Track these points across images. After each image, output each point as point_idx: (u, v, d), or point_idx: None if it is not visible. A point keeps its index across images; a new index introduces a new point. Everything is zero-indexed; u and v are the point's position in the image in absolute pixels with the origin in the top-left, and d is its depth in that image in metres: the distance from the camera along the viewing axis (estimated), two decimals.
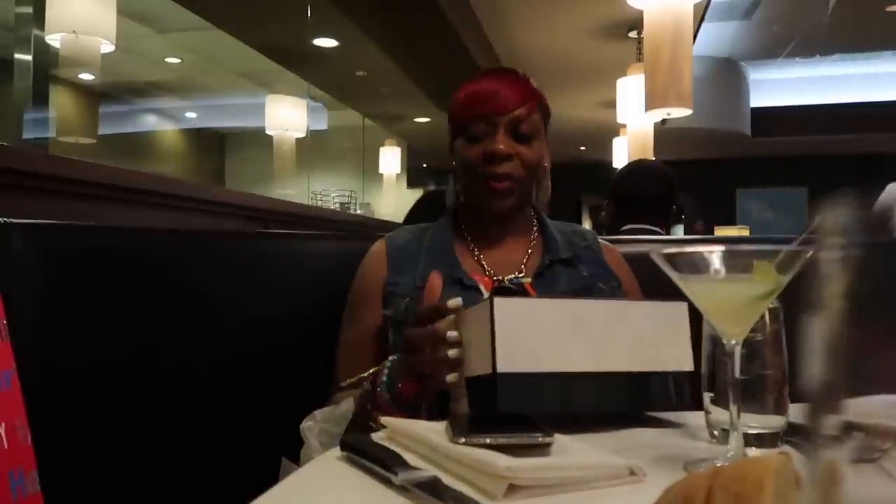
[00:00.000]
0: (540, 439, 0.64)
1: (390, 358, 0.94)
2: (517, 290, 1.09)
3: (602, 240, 1.24)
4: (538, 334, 0.79)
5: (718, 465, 0.62)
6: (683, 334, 0.84)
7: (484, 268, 1.13)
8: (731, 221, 9.21)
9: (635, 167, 2.50)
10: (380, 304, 1.11)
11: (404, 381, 0.89)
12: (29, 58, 2.96)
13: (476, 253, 1.16)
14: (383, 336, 1.10)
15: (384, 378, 0.91)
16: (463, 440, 0.63)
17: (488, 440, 0.62)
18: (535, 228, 1.21)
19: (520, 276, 1.12)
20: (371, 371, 0.94)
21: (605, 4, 5.02)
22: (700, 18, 5.45)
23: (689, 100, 2.99)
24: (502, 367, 0.75)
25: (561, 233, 1.20)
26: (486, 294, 1.06)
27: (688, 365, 0.83)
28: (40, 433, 0.65)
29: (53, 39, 2.97)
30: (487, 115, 1.10)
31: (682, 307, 0.84)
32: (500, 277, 1.12)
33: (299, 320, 1.18)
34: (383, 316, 1.10)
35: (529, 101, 1.12)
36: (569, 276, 1.13)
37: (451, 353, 0.82)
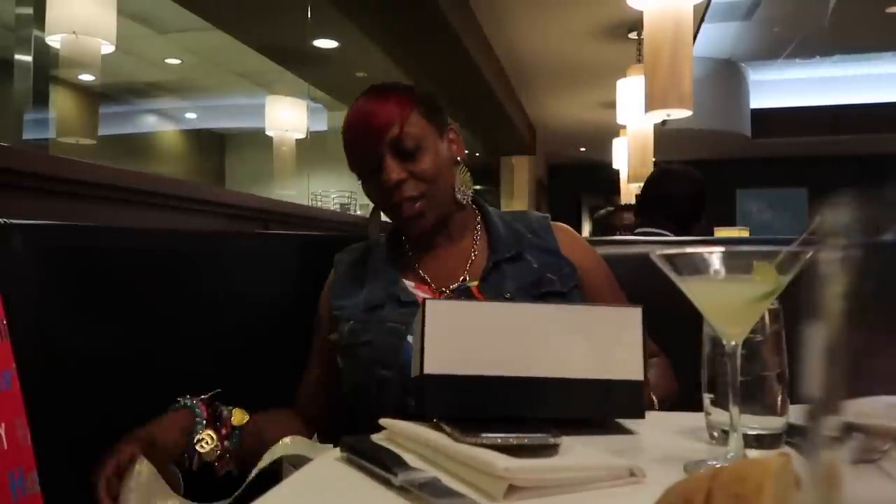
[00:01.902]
0: (549, 440, 0.64)
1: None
2: (465, 298, 1.07)
3: (556, 223, 1.19)
4: (472, 337, 0.77)
5: (718, 466, 0.62)
6: (634, 342, 0.80)
7: (426, 280, 1.12)
8: (730, 222, 9.20)
9: (664, 173, 2.48)
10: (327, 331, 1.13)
11: None
12: (29, 58, 2.96)
13: (416, 266, 1.14)
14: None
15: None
16: (471, 440, 0.63)
17: (497, 440, 0.62)
18: (477, 227, 1.17)
19: (464, 282, 1.10)
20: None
21: (605, 5, 5.02)
22: (700, 19, 5.45)
23: (690, 101, 2.99)
24: (429, 369, 0.74)
25: (506, 225, 1.16)
26: None
27: (637, 374, 0.79)
28: (40, 433, 0.65)
29: (54, 40, 2.97)
30: (364, 153, 1.08)
31: (636, 313, 0.81)
32: (444, 288, 1.10)
33: (299, 320, 1.18)
34: (331, 342, 1.11)
35: (398, 113, 1.07)
36: (516, 272, 1.09)
37: None
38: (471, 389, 0.75)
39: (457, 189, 1.13)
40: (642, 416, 0.80)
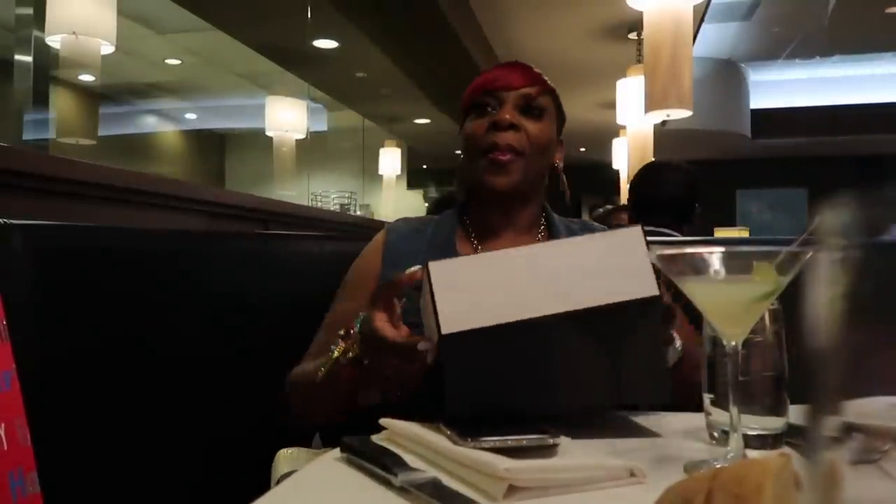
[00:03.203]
0: (548, 441, 0.64)
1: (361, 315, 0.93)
2: None
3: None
4: (481, 290, 0.76)
5: (718, 466, 0.62)
6: (642, 260, 0.78)
7: None
8: (730, 222, 9.21)
9: (654, 167, 2.47)
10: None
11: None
12: (29, 59, 2.96)
13: (477, 246, 1.13)
14: None
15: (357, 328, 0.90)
16: (470, 442, 0.63)
17: (495, 442, 0.62)
18: (542, 226, 1.18)
19: None
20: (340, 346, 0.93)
21: (604, 5, 5.02)
22: (700, 19, 5.46)
23: (689, 101, 2.99)
24: (446, 329, 0.73)
25: (567, 229, 1.18)
26: None
27: (651, 290, 0.77)
28: (40, 433, 0.65)
29: (53, 41, 2.97)
30: (495, 91, 1.10)
31: (637, 231, 0.80)
32: None
33: (299, 320, 1.18)
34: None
35: (539, 85, 1.12)
36: None
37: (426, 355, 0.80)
38: (490, 342, 0.74)
39: (552, 186, 1.17)
40: (664, 332, 0.80)
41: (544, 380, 0.78)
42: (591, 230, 1.19)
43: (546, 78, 1.15)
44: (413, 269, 0.84)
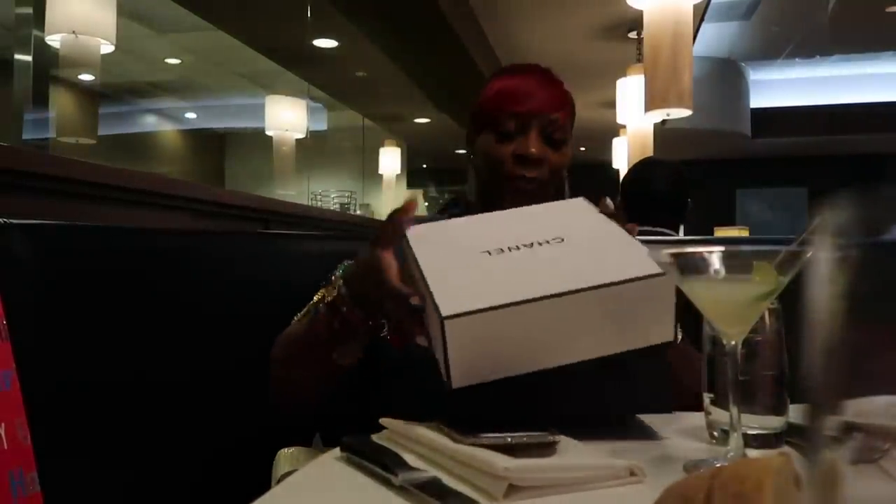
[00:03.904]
0: (548, 438, 0.64)
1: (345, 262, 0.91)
2: None
3: None
4: (470, 264, 0.75)
5: (718, 465, 0.62)
6: (623, 237, 0.79)
7: None
8: (730, 222, 9.21)
9: (644, 165, 2.47)
10: None
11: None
12: (29, 58, 2.96)
13: None
14: None
15: (339, 275, 0.89)
16: (470, 440, 0.63)
17: (496, 439, 0.62)
18: None
19: None
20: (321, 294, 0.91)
21: (604, 5, 5.02)
22: (700, 19, 5.46)
23: (689, 100, 2.99)
24: (446, 311, 0.68)
25: None
26: None
27: (653, 268, 0.72)
28: (40, 433, 0.65)
29: (53, 40, 2.97)
30: (521, 114, 1.06)
31: (580, 201, 0.88)
32: None
33: None
34: None
35: (565, 107, 1.09)
36: None
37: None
38: (502, 330, 0.70)
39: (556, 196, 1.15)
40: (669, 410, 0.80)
41: (543, 347, 0.74)
42: None
43: (566, 88, 1.12)
44: (414, 192, 0.83)
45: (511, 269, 0.76)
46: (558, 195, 1.17)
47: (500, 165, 1.07)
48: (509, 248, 0.79)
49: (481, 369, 0.71)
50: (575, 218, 0.86)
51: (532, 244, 0.79)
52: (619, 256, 0.76)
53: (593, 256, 0.77)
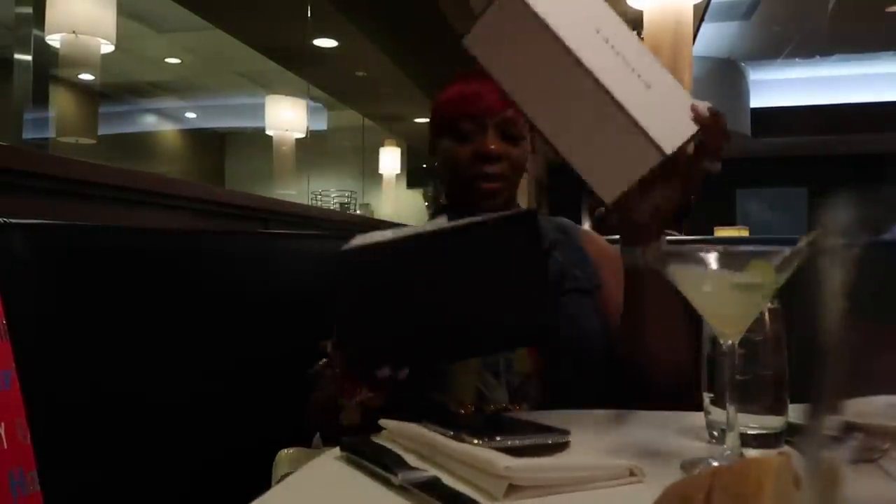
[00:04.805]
0: (556, 440, 0.64)
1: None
2: None
3: (586, 230, 1.22)
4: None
5: (716, 465, 0.62)
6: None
7: None
8: (730, 221, 9.21)
9: None
10: None
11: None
12: (29, 58, 2.96)
13: None
14: None
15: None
16: (477, 442, 0.63)
17: (507, 443, 0.63)
18: None
19: None
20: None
21: None
22: (700, 19, 5.45)
23: None
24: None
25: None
26: None
27: (665, 144, 0.79)
28: (40, 433, 0.65)
29: (53, 39, 2.97)
30: (476, 115, 1.09)
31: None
32: None
33: (300, 319, 1.18)
34: None
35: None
36: None
37: None
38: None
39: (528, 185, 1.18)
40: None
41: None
42: (558, 224, 1.21)
43: None
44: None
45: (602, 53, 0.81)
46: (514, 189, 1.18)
47: (461, 166, 1.10)
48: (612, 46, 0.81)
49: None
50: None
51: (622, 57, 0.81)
52: (663, 113, 0.79)
53: (651, 99, 0.79)
